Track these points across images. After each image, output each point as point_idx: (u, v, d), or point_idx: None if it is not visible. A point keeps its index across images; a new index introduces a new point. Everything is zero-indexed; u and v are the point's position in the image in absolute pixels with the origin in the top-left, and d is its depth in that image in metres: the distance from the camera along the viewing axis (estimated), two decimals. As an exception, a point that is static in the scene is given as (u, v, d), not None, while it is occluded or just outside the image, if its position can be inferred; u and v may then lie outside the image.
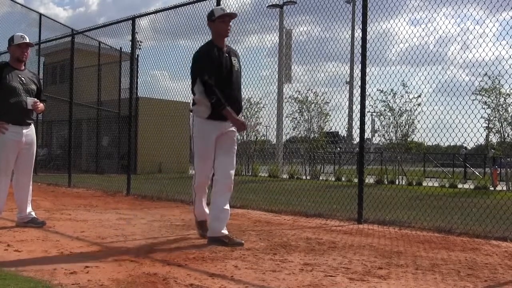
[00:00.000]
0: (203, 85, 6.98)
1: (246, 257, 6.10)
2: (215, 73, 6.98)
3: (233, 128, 7.23)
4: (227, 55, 7.21)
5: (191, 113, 7.31)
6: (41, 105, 8.14)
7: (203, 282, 4.87)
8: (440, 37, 9.79)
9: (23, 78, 7.99)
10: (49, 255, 6.00)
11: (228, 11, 7.30)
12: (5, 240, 6.82)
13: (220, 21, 7.18)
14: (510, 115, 20.38)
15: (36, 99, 8.04)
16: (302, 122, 22.97)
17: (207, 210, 7.38)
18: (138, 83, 18.26)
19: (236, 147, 7.43)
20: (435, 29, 9.64)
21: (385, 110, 21.44)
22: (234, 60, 7.28)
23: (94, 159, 27.98)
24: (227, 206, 7.09)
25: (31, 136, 8.10)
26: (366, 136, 9.80)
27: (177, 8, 13.23)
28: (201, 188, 7.40)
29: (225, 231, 6.97)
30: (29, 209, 8.22)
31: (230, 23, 7.31)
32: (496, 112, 20.32)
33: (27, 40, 8.02)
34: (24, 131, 7.95)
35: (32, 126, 8.22)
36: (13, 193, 8.24)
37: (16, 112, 7.82)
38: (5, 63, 8.17)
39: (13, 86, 7.82)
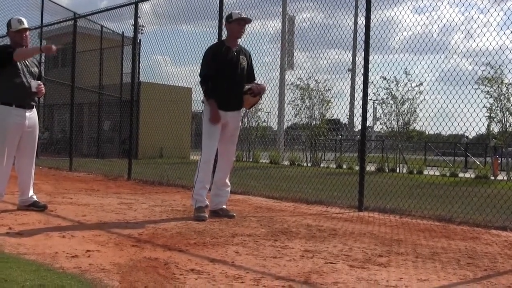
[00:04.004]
0: (200, 77, 7.98)
1: (247, 243, 6.12)
2: (215, 69, 7.86)
3: (236, 120, 8.15)
4: (235, 54, 8.01)
5: (203, 103, 8.15)
6: (44, 88, 8.12)
7: (204, 267, 4.89)
8: (444, 25, 9.77)
9: (26, 61, 7.95)
10: (51, 239, 6.01)
11: (244, 16, 8.14)
12: (6, 223, 6.82)
13: (236, 24, 8.06)
14: (512, 104, 20.37)
15: (40, 82, 8.01)
16: (303, 109, 22.96)
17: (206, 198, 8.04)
18: (140, 67, 18.27)
19: (237, 137, 8.38)
20: (439, 17, 9.62)
21: (387, 98, 21.41)
22: (242, 58, 8.10)
23: (95, 143, 27.97)
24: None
25: (34, 119, 8.07)
26: (367, 124, 9.78)
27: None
28: (206, 166, 7.94)
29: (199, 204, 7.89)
30: (30, 192, 8.22)
31: (245, 27, 8.16)
32: (498, 102, 20.30)
33: (25, 25, 7.93)
34: (27, 114, 7.91)
35: (35, 109, 8.19)
36: (15, 177, 8.24)
37: (20, 93, 7.78)
38: (8, 45, 8.12)
39: (18, 66, 7.78)
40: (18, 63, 7.79)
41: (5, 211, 7.86)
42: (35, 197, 8.29)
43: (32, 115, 8.01)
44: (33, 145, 8.20)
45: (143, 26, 17.70)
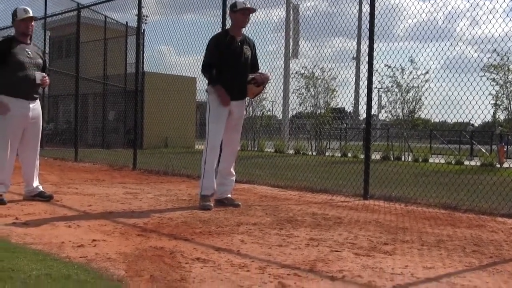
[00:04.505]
0: (202, 66, 8.01)
1: (252, 231, 6.12)
2: (217, 58, 7.87)
3: (240, 109, 8.15)
4: (239, 43, 8.00)
5: (207, 92, 8.20)
6: (48, 79, 8.11)
7: (210, 256, 4.89)
8: (449, 12, 9.75)
9: (30, 52, 7.93)
10: (57, 229, 6.03)
11: (248, 5, 8.13)
12: (13, 214, 6.85)
13: (240, 13, 8.02)
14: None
15: (44, 73, 7.99)
16: (308, 97, 22.91)
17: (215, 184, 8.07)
18: (144, 57, 18.26)
19: (241, 126, 8.40)
20: (444, 4, 9.58)
21: (392, 86, 21.36)
22: (246, 48, 8.09)
23: (100, 133, 27.99)
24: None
25: (37, 110, 8.07)
26: (372, 112, 9.76)
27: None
28: (212, 152, 7.98)
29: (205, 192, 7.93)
30: (36, 183, 8.24)
31: (249, 16, 8.18)
32: (504, 89, 20.26)
33: (31, 14, 7.93)
34: (31, 105, 7.91)
35: (38, 100, 8.19)
36: (20, 168, 8.26)
37: (24, 86, 7.77)
38: (11, 37, 8.12)
39: (21, 60, 7.76)
40: (21, 56, 7.78)
41: (12, 201, 7.87)
42: (40, 187, 8.31)
43: (35, 107, 8.02)
44: (37, 137, 8.20)
45: (147, 16, 17.72)
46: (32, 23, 8.04)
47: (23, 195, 8.29)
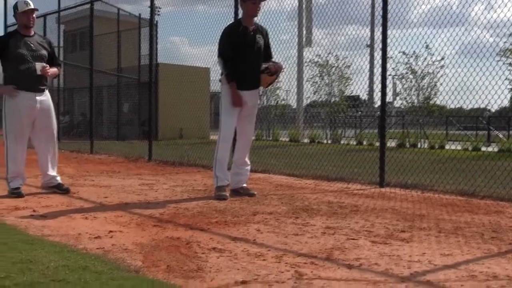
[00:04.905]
0: (219, 58, 7.94)
1: (268, 221, 6.11)
2: (232, 50, 7.82)
3: (253, 99, 8.13)
4: (252, 33, 7.97)
5: (220, 82, 8.13)
6: (52, 70, 8.05)
7: (226, 245, 4.89)
8: (464, -4, 9.64)
9: (31, 44, 7.90)
10: (74, 221, 6.06)
11: None
12: (30, 206, 6.90)
13: (251, 3, 7.93)
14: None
15: (44, 63, 7.92)
16: (322, 86, 22.86)
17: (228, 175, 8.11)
18: (158, 49, 18.26)
19: (255, 115, 8.37)
20: (458, -12, 9.50)
21: (407, 73, 21.25)
22: (259, 37, 8.06)
23: (115, 125, 28.06)
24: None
25: (46, 101, 8.05)
26: (387, 99, 9.72)
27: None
28: (225, 144, 7.98)
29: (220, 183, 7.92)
30: (53, 173, 8.26)
31: (260, 5, 8.05)
32: (521, 74, 20.07)
33: (32, 6, 7.91)
34: (38, 97, 7.89)
35: (47, 92, 8.15)
36: (37, 160, 8.28)
37: (27, 79, 7.76)
38: (13, 31, 8.11)
39: (21, 53, 7.75)
40: (23, 50, 7.76)
41: (29, 194, 7.92)
42: (59, 179, 8.34)
43: (43, 98, 7.99)
44: (50, 127, 8.16)
45: (159, 8, 17.72)
46: (34, 15, 8.00)
47: (41, 186, 8.33)
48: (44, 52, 8.04)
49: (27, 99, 7.78)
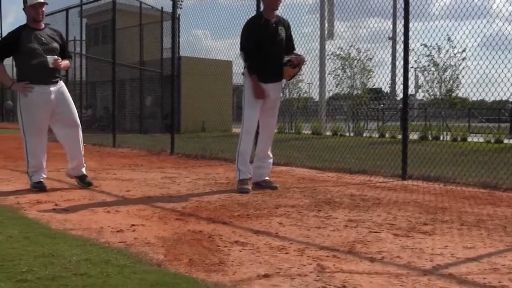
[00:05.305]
0: (241, 51, 7.98)
1: (291, 214, 6.12)
2: (254, 43, 7.81)
3: (276, 91, 8.14)
4: (274, 25, 7.96)
5: (243, 76, 8.14)
6: (64, 62, 7.99)
7: (248, 239, 4.91)
8: (485, -12, 9.59)
9: (42, 38, 7.83)
10: (96, 214, 6.09)
11: None
12: (52, 200, 6.93)
13: None
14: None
15: (56, 56, 7.85)
16: (345, 79, 22.81)
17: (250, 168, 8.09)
18: (180, 42, 18.30)
19: (278, 108, 8.37)
20: (480, -19, 9.44)
21: (429, 65, 21.16)
22: (281, 29, 8.03)
23: (137, 119, 28.16)
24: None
25: (60, 91, 7.97)
26: (409, 92, 9.69)
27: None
28: (248, 137, 7.97)
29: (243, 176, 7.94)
30: (79, 161, 8.19)
31: None
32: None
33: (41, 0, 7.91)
34: (52, 89, 7.83)
35: (61, 83, 8.08)
36: (60, 154, 8.26)
37: (40, 73, 7.71)
38: (23, 25, 7.99)
39: (33, 47, 7.70)
40: (33, 44, 7.71)
41: (51, 188, 7.95)
42: (84, 170, 8.28)
43: (57, 89, 7.90)
44: (70, 114, 8.06)
45: (181, 1, 17.71)
46: (43, 9, 7.92)
47: (66, 172, 8.37)
48: (55, 45, 7.97)
49: (41, 93, 7.74)
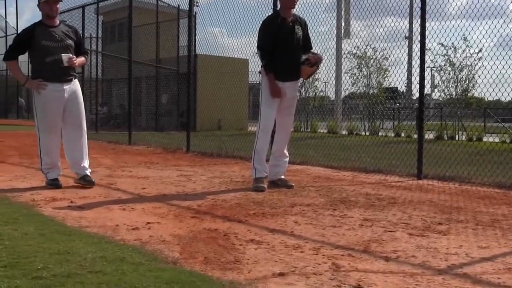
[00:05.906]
0: (258, 50, 7.97)
1: (306, 212, 6.13)
2: (271, 41, 7.83)
3: (293, 90, 8.11)
4: (291, 24, 7.95)
5: (260, 74, 8.18)
6: (78, 60, 7.94)
7: (264, 237, 4.92)
8: (502, -12, 9.57)
9: (56, 35, 7.79)
10: (112, 212, 6.11)
11: None
12: (68, 197, 6.95)
13: None
14: None
15: (71, 55, 7.80)
16: (361, 78, 22.82)
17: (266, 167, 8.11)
18: (196, 40, 18.32)
19: (294, 107, 8.37)
20: (497, -19, 9.43)
21: (445, 65, 21.13)
22: (298, 28, 8.02)
23: (153, 116, 28.19)
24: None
25: (73, 89, 7.94)
26: (425, 91, 9.67)
27: (234, -35, 13.20)
28: (264, 135, 8.02)
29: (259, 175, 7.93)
30: (82, 163, 8.05)
31: None
32: (560, 66, 19.81)
33: None
34: (66, 87, 7.82)
35: (75, 80, 8.05)
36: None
37: (54, 71, 7.69)
38: (38, 22, 7.93)
39: (47, 45, 7.67)
40: (47, 41, 7.69)
41: (66, 185, 7.97)
42: (88, 171, 8.09)
43: (71, 87, 7.88)
44: (79, 116, 8.03)
45: (198, -1, 17.76)
46: (57, 5, 7.89)
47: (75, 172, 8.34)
48: (70, 42, 7.91)
49: (55, 90, 7.73)
